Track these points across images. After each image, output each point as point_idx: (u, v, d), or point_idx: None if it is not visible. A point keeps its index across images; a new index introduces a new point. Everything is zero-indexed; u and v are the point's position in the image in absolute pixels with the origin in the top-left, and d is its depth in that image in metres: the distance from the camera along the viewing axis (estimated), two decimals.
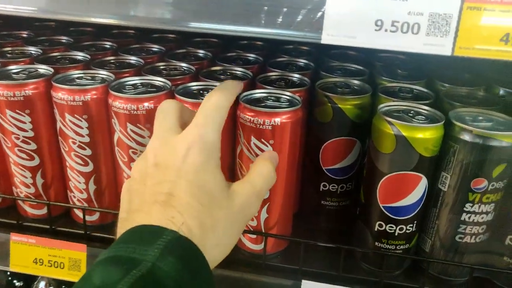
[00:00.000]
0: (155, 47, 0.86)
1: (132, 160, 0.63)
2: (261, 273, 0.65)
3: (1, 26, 0.98)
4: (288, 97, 0.62)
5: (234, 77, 0.72)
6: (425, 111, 0.59)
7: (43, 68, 0.69)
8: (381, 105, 0.60)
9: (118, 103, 0.60)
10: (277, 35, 0.48)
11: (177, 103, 0.50)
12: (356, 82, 0.70)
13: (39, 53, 0.78)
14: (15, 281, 1.04)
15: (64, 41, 0.88)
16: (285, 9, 0.46)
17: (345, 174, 0.69)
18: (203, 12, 0.49)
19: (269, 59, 0.81)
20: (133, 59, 0.78)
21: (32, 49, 0.80)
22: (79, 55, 0.78)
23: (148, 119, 0.60)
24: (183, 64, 0.75)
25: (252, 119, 0.57)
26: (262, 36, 0.47)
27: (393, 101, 0.63)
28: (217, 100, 0.47)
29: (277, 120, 0.57)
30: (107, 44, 0.87)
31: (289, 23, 0.46)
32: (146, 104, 0.60)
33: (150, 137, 0.60)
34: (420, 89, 0.69)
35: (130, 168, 0.63)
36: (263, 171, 0.49)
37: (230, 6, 0.48)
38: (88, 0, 0.51)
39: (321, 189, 0.70)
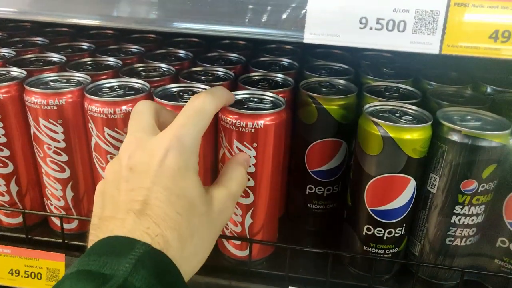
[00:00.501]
0: (134, 48, 0.83)
1: None
2: (246, 280, 0.62)
3: None
4: (271, 98, 0.59)
5: (216, 77, 0.69)
6: (412, 111, 0.58)
7: (15, 71, 0.66)
8: (367, 105, 0.58)
9: (95, 107, 0.57)
10: (260, 34, 0.45)
11: (153, 103, 0.47)
12: (341, 81, 0.68)
13: (12, 55, 0.75)
14: None
15: (39, 42, 0.85)
16: (268, 7, 0.44)
17: (331, 176, 0.67)
18: (185, 11, 0.46)
19: (252, 59, 0.79)
20: (111, 60, 0.74)
21: (5, 51, 0.77)
22: (55, 57, 0.75)
23: (126, 123, 0.57)
24: (163, 65, 0.72)
25: (234, 121, 0.54)
26: (245, 36, 0.45)
27: (379, 100, 0.61)
28: (202, 103, 0.44)
29: (260, 122, 0.54)
30: (84, 45, 0.83)
31: (272, 22, 0.44)
32: (123, 107, 0.57)
33: None
34: (406, 88, 0.67)
35: None
36: (236, 175, 0.48)
37: (212, 5, 0.45)
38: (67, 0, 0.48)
39: (307, 192, 0.68)
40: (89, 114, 0.58)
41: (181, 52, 0.81)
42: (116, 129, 0.57)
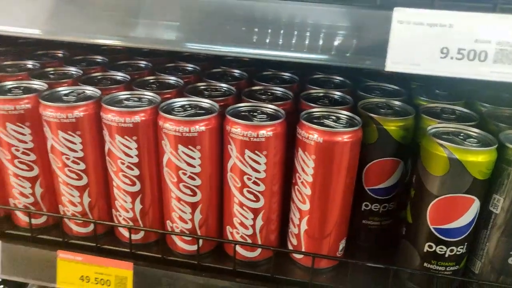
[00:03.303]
0: (190, 66, 0.86)
1: (181, 180, 0.61)
2: None
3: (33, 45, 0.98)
4: (347, 116, 0.61)
5: (273, 96, 0.71)
6: (475, 133, 0.58)
7: (90, 90, 0.68)
8: (430, 127, 0.59)
9: (169, 125, 0.59)
10: (342, 62, 0.47)
11: None
12: (397, 102, 0.69)
13: (80, 74, 0.77)
14: None
15: (99, 60, 0.87)
16: (354, 40, 0.45)
17: (388, 194, 0.68)
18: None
19: (305, 76, 0.81)
20: (172, 79, 0.77)
21: (72, 69, 0.79)
22: (119, 75, 0.78)
23: (199, 141, 0.59)
24: (223, 85, 0.74)
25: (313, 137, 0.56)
26: (332, 64, 0.46)
27: (439, 122, 0.62)
28: None
29: (339, 139, 0.56)
30: (142, 63, 0.86)
31: (354, 52, 0.45)
32: (197, 126, 0.59)
33: (200, 158, 0.60)
34: (462, 110, 0.67)
35: (178, 188, 0.62)
36: None
37: (300, 38, 0.47)
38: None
39: (362, 209, 0.69)
40: (163, 132, 0.60)
41: (236, 72, 0.83)
42: (190, 146, 0.59)
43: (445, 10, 0.43)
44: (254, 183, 0.60)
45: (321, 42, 0.47)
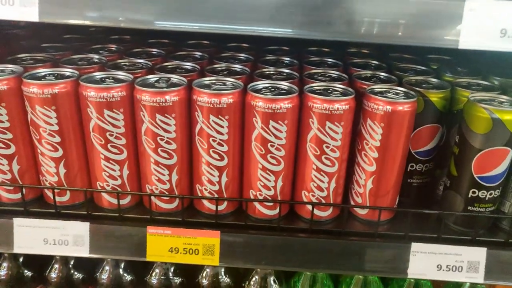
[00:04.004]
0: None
1: (269, 152, 0.70)
2: (373, 240, 0.75)
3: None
4: (403, 91, 0.73)
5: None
6: (504, 99, 0.72)
7: (175, 78, 0.75)
8: (471, 95, 0.72)
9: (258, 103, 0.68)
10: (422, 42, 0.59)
11: None
12: (433, 79, 0.82)
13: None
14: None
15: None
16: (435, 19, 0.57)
17: (429, 155, 0.81)
18: None
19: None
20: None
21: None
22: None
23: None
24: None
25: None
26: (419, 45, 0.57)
27: (472, 92, 0.76)
28: None
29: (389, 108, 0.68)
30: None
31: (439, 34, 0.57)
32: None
33: (286, 131, 0.69)
34: (484, 82, 0.82)
35: (266, 159, 0.71)
36: None
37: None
38: None
39: (408, 169, 0.82)
40: (255, 110, 0.68)
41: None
42: (279, 121, 0.69)
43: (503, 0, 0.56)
44: (332, 150, 0.71)
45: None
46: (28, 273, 0.88)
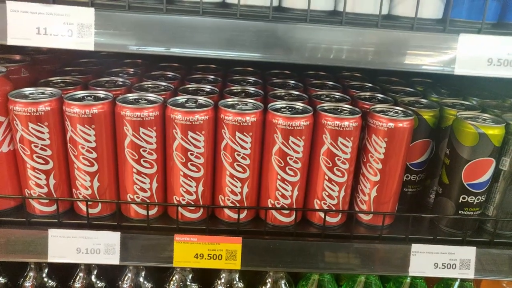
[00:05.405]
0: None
1: (288, 164, 0.77)
2: (379, 242, 0.82)
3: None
4: (401, 110, 0.82)
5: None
6: (487, 117, 0.82)
7: (202, 100, 0.81)
8: (459, 114, 0.82)
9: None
10: (422, 69, 0.68)
11: None
12: (423, 100, 0.92)
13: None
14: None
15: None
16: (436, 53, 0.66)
17: (421, 166, 0.90)
18: None
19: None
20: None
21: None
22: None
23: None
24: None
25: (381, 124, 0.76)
26: (420, 71, 0.66)
27: (457, 111, 0.86)
28: None
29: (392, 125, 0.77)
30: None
31: (433, 62, 0.66)
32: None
33: (303, 146, 0.76)
34: (466, 103, 0.92)
35: (284, 171, 0.77)
36: None
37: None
38: None
39: (404, 179, 0.90)
40: (276, 127, 0.75)
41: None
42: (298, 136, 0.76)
43: (490, 35, 0.66)
44: (342, 162, 0.78)
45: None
46: (52, 283, 0.90)
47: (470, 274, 0.83)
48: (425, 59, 0.66)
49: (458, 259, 0.82)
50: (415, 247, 0.82)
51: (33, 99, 0.73)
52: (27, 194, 0.78)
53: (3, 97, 0.74)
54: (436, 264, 0.82)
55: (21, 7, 0.57)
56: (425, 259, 0.82)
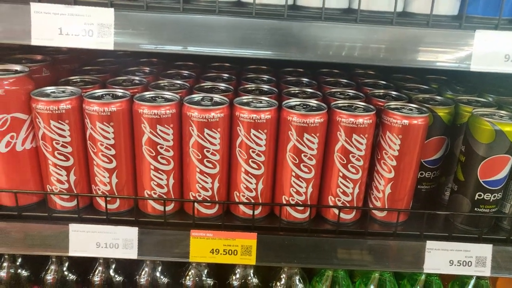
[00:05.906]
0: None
1: (302, 161, 0.77)
2: (393, 239, 0.82)
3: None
4: (416, 107, 0.81)
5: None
6: (503, 114, 0.81)
7: (217, 97, 0.82)
8: (475, 110, 0.81)
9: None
10: (439, 66, 0.67)
11: None
12: (437, 97, 0.91)
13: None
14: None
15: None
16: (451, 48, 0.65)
17: (436, 164, 0.89)
18: None
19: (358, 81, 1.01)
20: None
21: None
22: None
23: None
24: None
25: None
26: (435, 68, 0.66)
27: (475, 108, 0.84)
28: None
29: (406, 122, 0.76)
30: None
31: (451, 58, 0.66)
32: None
33: (318, 143, 0.76)
34: (482, 99, 0.91)
35: (299, 168, 0.78)
36: None
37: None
38: None
39: (418, 176, 0.89)
40: (291, 124, 0.76)
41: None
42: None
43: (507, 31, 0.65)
44: (357, 159, 0.78)
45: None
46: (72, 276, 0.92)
47: (486, 272, 0.82)
48: (441, 56, 0.65)
49: (474, 257, 0.82)
50: (430, 244, 0.81)
51: (54, 98, 0.74)
52: (49, 190, 0.80)
53: (26, 95, 0.76)
54: (451, 261, 0.81)
55: (44, 9, 0.58)
56: (440, 256, 0.81)
